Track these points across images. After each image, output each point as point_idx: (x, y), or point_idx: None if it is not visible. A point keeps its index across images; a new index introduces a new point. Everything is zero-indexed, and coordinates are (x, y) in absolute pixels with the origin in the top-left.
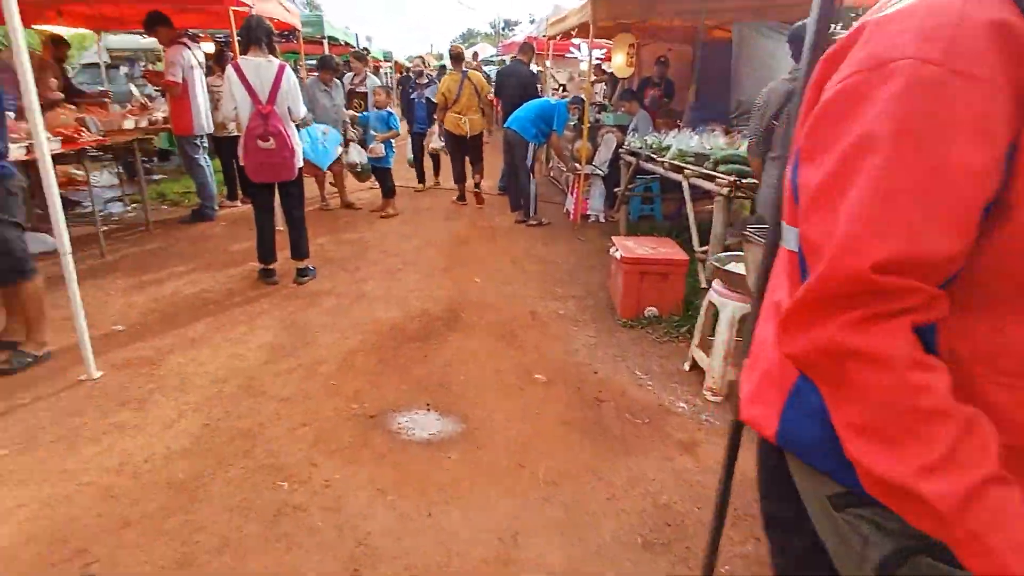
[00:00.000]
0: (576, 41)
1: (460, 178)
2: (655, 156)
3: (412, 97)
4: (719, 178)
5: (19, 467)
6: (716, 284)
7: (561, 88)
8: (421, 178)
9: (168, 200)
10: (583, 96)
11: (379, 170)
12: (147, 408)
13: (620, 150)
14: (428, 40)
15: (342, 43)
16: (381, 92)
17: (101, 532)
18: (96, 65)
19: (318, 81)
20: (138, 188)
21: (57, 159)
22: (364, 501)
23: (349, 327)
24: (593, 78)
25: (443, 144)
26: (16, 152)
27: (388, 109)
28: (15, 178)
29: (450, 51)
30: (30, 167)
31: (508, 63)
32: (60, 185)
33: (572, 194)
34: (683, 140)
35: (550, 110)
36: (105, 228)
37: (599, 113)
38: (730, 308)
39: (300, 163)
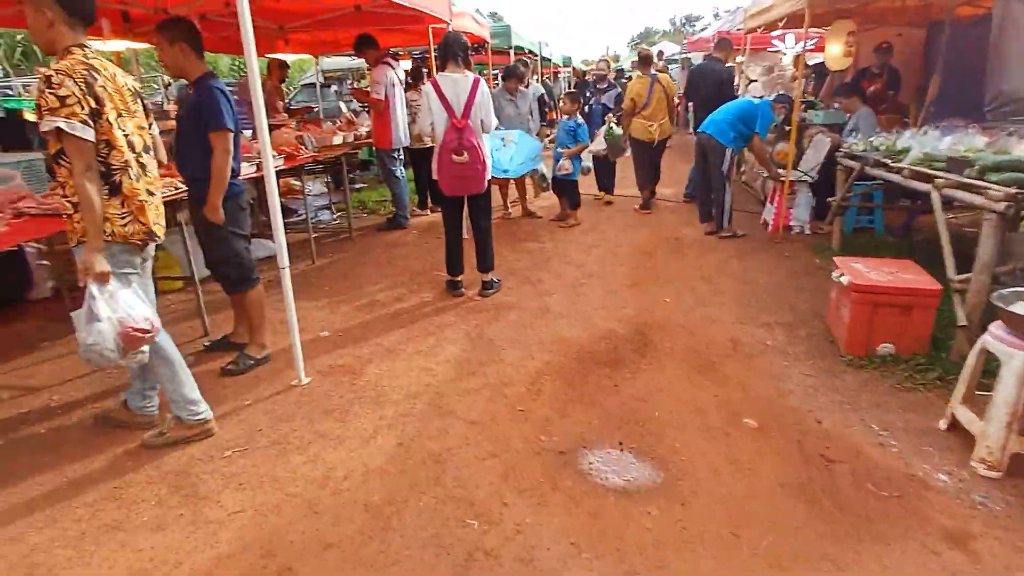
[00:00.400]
0: (776, 33)
1: (646, 184)
2: (888, 161)
3: (590, 103)
4: (991, 190)
5: (239, 471)
6: (998, 328)
7: (747, 84)
8: (606, 187)
9: (367, 208)
10: (788, 93)
11: (564, 183)
12: (348, 419)
13: (837, 153)
14: (604, 42)
15: (527, 51)
16: (567, 100)
17: (305, 551)
18: (313, 85)
19: (503, 91)
20: (343, 197)
21: (278, 173)
22: (558, 556)
23: (534, 345)
24: (795, 72)
25: (604, 147)
26: (247, 170)
27: (576, 119)
28: (245, 194)
29: (639, 53)
30: (259, 181)
31: (701, 61)
32: (280, 194)
33: (772, 203)
34: (927, 141)
35: (752, 111)
36: (315, 235)
37: (805, 111)
38: (1020, 361)
39: (489, 175)
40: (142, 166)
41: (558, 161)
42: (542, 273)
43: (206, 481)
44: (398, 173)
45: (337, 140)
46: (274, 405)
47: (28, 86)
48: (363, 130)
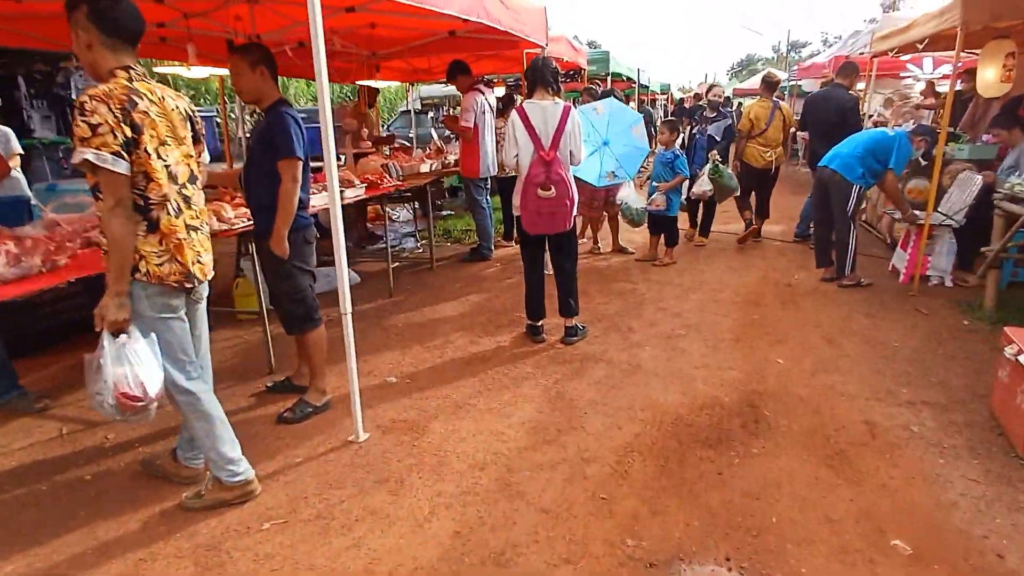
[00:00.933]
0: (907, 57)
1: (748, 207)
2: None
3: (694, 132)
4: None
5: (275, 551)
6: None
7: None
8: (698, 226)
9: (452, 236)
10: (930, 123)
11: (660, 219)
12: (402, 492)
13: (995, 195)
14: (703, 69)
15: (625, 79)
16: (665, 129)
17: None
18: (410, 112)
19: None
20: (432, 222)
21: (362, 201)
22: None
23: (622, 410)
24: (924, 100)
25: (709, 188)
26: (317, 201)
27: (674, 150)
28: (312, 228)
29: (764, 78)
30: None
31: (818, 88)
32: (368, 219)
33: (905, 249)
34: None
35: (887, 143)
36: (396, 264)
37: (946, 144)
38: None
39: (575, 212)
40: (185, 199)
41: (652, 195)
42: (633, 320)
43: (237, 561)
44: (484, 203)
45: (424, 168)
46: (326, 465)
47: None
48: (451, 158)
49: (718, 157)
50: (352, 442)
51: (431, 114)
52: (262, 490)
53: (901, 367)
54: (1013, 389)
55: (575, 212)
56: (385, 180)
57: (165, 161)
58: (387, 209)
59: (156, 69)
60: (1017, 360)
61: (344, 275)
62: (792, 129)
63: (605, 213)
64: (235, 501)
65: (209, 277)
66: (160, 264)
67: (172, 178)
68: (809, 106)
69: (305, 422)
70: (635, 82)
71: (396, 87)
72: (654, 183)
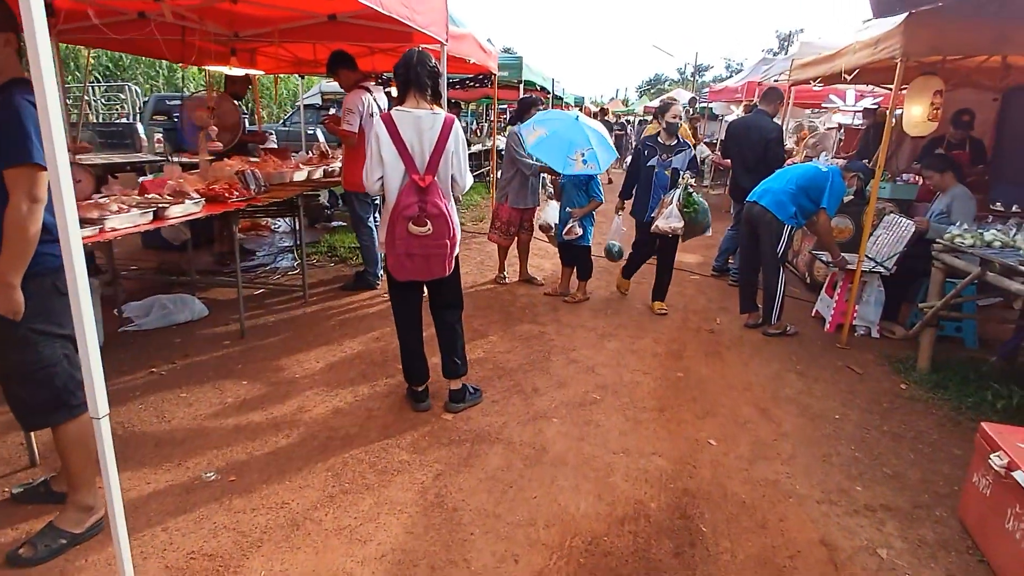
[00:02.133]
0: (818, 88)
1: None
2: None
3: (651, 164)
4: None
5: None
6: None
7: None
8: (629, 274)
9: (337, 255)
10: (865, 162)
11: (574, 248)
12: None
13: (934, 246)
14: (614, 85)
15: (538, 87)
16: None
17: None
18: (312, 107)
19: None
20: (309, 243)
21: (206, 219)
22: None
23: (520, 527)
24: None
25: (679, 223)
26: (176, 210)
27: (588, 170)
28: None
29: (661, 103)
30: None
31: (743, 114)
32: (242, 230)
33: (831, 294)
34: None
35: (820, 180)
36: (261, 291)
37: (866, 183)
38: None
39: (457, 251)
40: None
41: (566, 223)
42: (539, 377)
43: None
44: (370, 221)
45: (299, 176)
46: None
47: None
48: (337, 165)
49: (692, 182)
50: None
51: (333, 110)
52: None
53: (847, 451)
54: (1000, 509)
55: (456, 252)
56: (236, 192)
57: None
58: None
59: None
60: (1008, 475)
61: (91, 363)
62: (707, 155)
63: (517, 240)
64: None
65: None
66: None
67: None
68: (731, 133)
69: (51, 562)
70: (549, 92)
71: (296, 80)
72: (567, 208)
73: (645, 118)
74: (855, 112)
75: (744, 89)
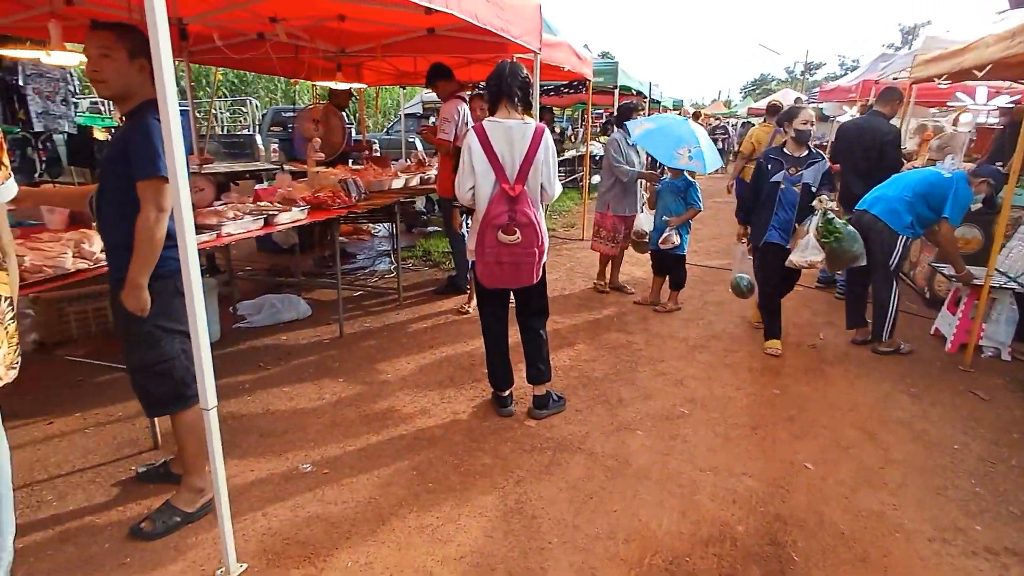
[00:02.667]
0: (945, 86)
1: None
2: None
3: (775, 179)
4: None
5: None
6: None
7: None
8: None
9: (431, 259)
10: (999, 166)
11: (668, 257)
12: None
13: None
14: (716, 86)
15: (634, 92)
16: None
17: None
18: (413, 115)
19: (625, 135)
20: (412, 240)
21: (310, 226)
22: None
23: (600, 539)
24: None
25: (818, 256)
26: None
27: (685, 176)
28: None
29: (769, 103)
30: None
31: (856, 116)
32: (344, 233)
33: (955, 312)
34: None
35: (942, 187)
36: (359, 293)
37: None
38: None
39: (545, 259)
40: None
41: (662, 231)
42: (624, 388)
43: None
44: (463, 228)
45: (397, 184)
46: None
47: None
48: (433, 173)
49: (830, 205)
50: None
51: (432, 119)
52: None
53: (967, 485)
54: None
55: (543, 260)
56: (339, 200)
57: None
58: (333, 232)
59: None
60: None
61: (203, 359)
62: None
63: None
64: None
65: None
66: None
67: None
68: (842, 135)
69: (167, 537)
70: (646, 96)
71: (398, 91)
72: (664, 217)
73: (749, 120)
74: (988, 111)
75: (859, 88)
